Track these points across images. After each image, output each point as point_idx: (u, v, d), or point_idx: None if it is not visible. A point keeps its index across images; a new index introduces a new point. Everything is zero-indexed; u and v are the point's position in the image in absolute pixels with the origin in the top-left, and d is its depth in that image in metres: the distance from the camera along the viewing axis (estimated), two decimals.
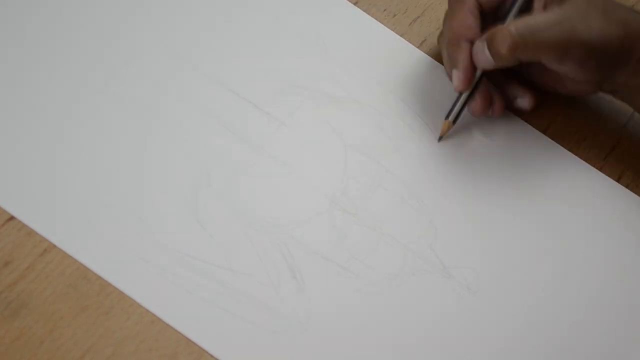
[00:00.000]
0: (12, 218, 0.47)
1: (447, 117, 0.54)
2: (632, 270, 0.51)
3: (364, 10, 0.58)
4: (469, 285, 0.48)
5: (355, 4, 0.59)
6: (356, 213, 0.50)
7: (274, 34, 0.57)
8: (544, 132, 0.56)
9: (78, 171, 0.49)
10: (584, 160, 0.55)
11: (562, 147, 0.55)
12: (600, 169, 0.55)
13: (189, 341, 0.44)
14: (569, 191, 0.53)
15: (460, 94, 0.54)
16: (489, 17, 0.54)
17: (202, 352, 0.44)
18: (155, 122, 0.52)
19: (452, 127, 0.54)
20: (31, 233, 0.46)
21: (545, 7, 0.53)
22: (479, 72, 0.53)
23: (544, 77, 0.55)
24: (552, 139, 0.56)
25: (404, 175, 0.52)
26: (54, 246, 0.46)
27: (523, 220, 0.51)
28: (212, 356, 0.44)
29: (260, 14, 0.57)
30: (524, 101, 0.55)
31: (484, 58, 0.52)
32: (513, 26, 0.51)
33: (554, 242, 0.51)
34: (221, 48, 0.55)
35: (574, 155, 0.55)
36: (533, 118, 0.56)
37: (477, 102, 0.54)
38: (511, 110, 0.56)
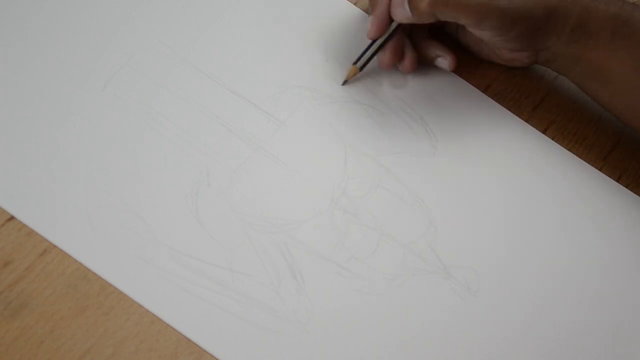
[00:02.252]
0: (12, 218, 0.47)
1: (355, 62, 0.55)
2: (633, 270, 0.51)
3: (364, 11, 0.58)
4: (469, 285, 0.48)
5: (354, 4, 0.59)
6: (356, 213, 0.50)
7: (274, 34, 0.57)
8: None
9: (78, 171, 0.49)
10: (584, 160, 0.55)
11: (561, 147, 0.55)
12: (600, 169, 0.55)
13: (189, 341, 0.44)
14: (569, 191, 0.53)
15: (372, 42, 0.54)
16: None
17: (202, 352, 0.44)
18: (155, 122, 0.52)
19: (358, 72, 0.55)
20: (31, 233, 0.46)
21: None
22: (394, 24, 0.53)
23: (478, 45, 0.56)
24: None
25: (404, 175, 0.52)
26: (54, 246, 0.46)
27: (523, 220, 0.51)
28: (212, 356, 0.44)
29: (261, 14, 0.57)
30: (444, 61, 0.56)
31: (402, 11, 0.52)
32: None
33: (554, 242, 0.51)
34: (221, 48, 0.55)
35: (574, 155, 0.55)
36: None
37: (385, 54, 0.54)
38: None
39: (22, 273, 0.45)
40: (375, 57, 0.55)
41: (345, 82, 0.55)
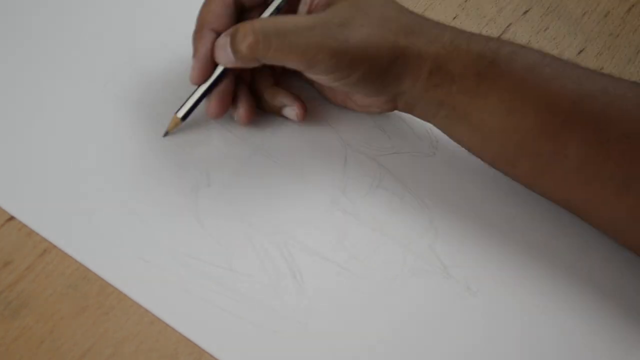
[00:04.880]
0: (12, 218, 0.47)
1: (177, 111, 0.50)
2: (633, 270, 0.50)
3: None
4: (469, 285, 0.48)
5: None
6: (356, 213, 0.50)
7: None
8: None
9: (78, 171, 0.49)
10: None
11: None
12: None
13: (189, 341, 0.44)
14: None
15: (197, 87, 0.50)
16: (255, 14, 0.50)
17: (202, 352, 0.44)
18: (155, 122, 0.52)
19: (180, 123, 0.51)
20: (31, 233, 0.46)
21: (309, 11, 0.49)
22: (219, 68, 0.49)
23: (331, 91, 0.53)
24: None
25: (404, 175, 0.52)
26: (54, 246, 0.46)
27: (523, 219, 0.51)
28: (212, 356, 0.44)
29: None
30: (292, 111, 0.52)
31: (225, 54, 0.48)
32: (258, 23, 0.47)
33: (554, 241, 0.51)
34: None
35: None
36: None
37: (212, 102, 0.50)
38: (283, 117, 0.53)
39: (22, 273, 0.45)
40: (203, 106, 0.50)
41: (166, 134, 0.51)
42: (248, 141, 0.52)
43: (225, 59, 0.48)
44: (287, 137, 0.52)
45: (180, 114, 0.50)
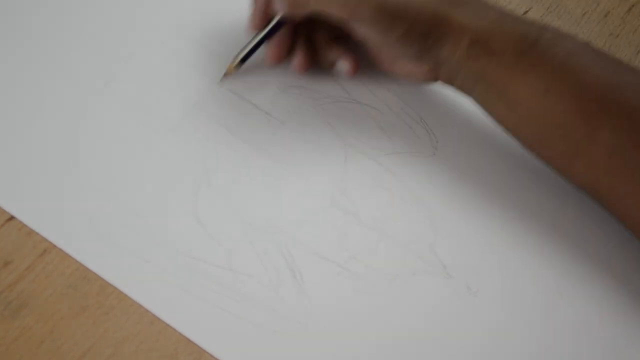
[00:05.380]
0: (12, 218, 0.47)
1: (236, 56, 0.53)
2: (634, 270, 0.50)
3: None
4: (469, 285, 0.48)
5: None
6: (356, 213, 0.50)
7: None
8: None
9: (78, 171, 0.49)
10: None
11: None
12: None
13: (189, 341, 0.44)
14: (569, 191, 0.53)
15: (255, 36, 0.53)
16: None
17: (202, 352, 0.44)
18: (155, 122, 0.52)
19: (239, 67, 0.53)
20: (31, 233, 0.46)
21: None
22: (276, 17, 0.52)
23: (378, 55, 0.54)
24: None
25: (404, 175, 0.52)
26: (54, 246, 0.46)
27: (524, 219, 0.51)
28: (212, 356, 0.44)
29: None
30: (344, 65, 0.54)
31: (279, 2, 0.50)
32: None
33: (554, 241, 0.51)
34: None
35: None
36: None
37: (269, 49, 0.53)
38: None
39: (22, 273, 0.45)
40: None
41: (225, 76, 0.54)
42: (248, 141, 0.52)
43: (279, 5, 0.51)
44: (287, 137, 0.52)
45: (239, 58, 0.53)
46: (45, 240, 0.46)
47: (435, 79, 0.53)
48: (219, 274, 0.46)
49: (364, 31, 0.51)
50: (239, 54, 0.54)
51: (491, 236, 0.50)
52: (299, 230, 0.49)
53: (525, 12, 0.63)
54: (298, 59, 0.54)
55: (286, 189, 0.50)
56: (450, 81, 0.52)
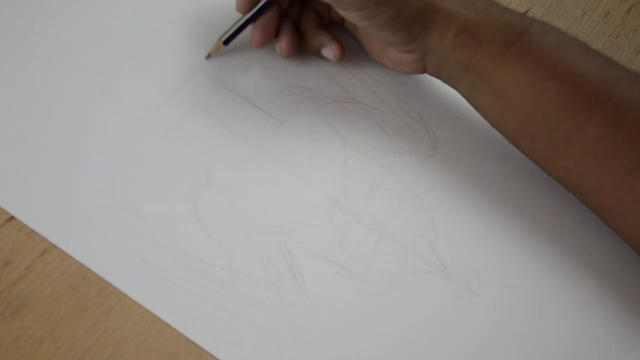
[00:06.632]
0: (12, 218, 0.47)
1: (221, 36, 0.54)
2: (633, 270, 0.50)
3: None
4: (469, 285, 0.48)
5: None
6: (356, 213, 0.50)
7: None
8: None
9: (78, 171, 0.49)
10: None
11: None
12: None
13: (189, 341, 0.44)
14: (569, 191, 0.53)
15: (242, 15, 0.53)
16: None
17: (202, 352, 0.44)
18: (155, 122, 0.52)
19: (222, 47, 0.54)
20: (31, 233, 0.46)
21: None
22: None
23: (369, 44, 0.55)
24: None
25: (404, 175, 0.52)
26: (54, 246, 0.46)
27: (523, 219, 0.51)
28: (212, 356, 0.44)
29: None
30: (330, 51, 0.54)
31: None
32: None
33: (554, 241, 0.51)
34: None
35: None
36: None
37: (255, 31, 0.53)
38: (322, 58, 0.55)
39: (22, 273, 0.45)
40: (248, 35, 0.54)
41: (209, 56, 0.54)
42: (248, 141, 0.52)
43: None
44: (287, 137, 0.52)
45: (224, 38, 0.54)
46: (45, 240, 0.46)
47: (423, 69, 0.53)
48: (219, 274, 0.46)
49: (351, 16, 0.50)
50: (224, 34, 0.54)
51: (491, 236, 0.50)
52: (299, 230, 0.49)
53: (525, 12, 0.63)
54: (283, 42, 0.54)
55: (286, 189, 0.50)
56: (437, 71, 0.52)
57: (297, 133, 0.53)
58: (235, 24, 0.54)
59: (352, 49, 0.56)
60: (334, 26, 0.57)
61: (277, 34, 0.54)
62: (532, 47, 0.48)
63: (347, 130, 0.53)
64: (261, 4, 0.52)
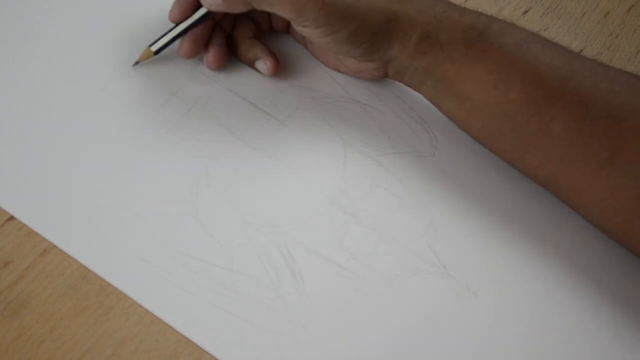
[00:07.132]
0: (12, 218, 0.47)
1: (151, 44, 0.53)
2: (633, 270, 0.50)
3: None
4: (469, 285, 0.48)
5: None
6: (356, 213, 0.50)
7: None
8: None
9: (78, 171, 0.49)
10: None
11: None
12: None
13: (189, 341, 0.44)
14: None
15: (175, 26, 0.52)
16: None
17: (202, 352, 0.44)
18: (155, 122, 0.52)
19: (152, 56, 0.53)
20: (31, 233, 0.46)
21: None
22: (201, 10, 0.51)
23: (325, 55, 0.54)
24: None
25: (404, 175, 0.52)
26: (54, 246, 0.46)
27: (523, 219, 0.51)
28: (212, 356, 0.44)
29: None
30: (263, 65, 0.53)
31: None
32: None
33: (554, 241, 0.51)
34: None
35: None
36: None
37: (185, 42, 0.52)
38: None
39: (22, 273, 0.45)
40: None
41: (136, 63, 0.53)
42: (248, 141, 0.52)
43: (212, 1, 0.49)
44: (287, 137, 0.52)
45: (155, 47, 0.53)
46: (45, 240, 0.46)
47: (384, 75, 0.53)
48: (219, 274, 0.46)
49: (311, 33, 0.49)
50: (155, 42, 0.53)
51: (491, 236, 0.50)
52: (299, 230, 0.49)
53: (525, 12, 0.63)
54: (211, 55, 0.53)
55: (286, 189, 0.50)
56: (399, 78, 0.52)
57: (297, 133, 0.53)
58: (167, 33, 0.52)
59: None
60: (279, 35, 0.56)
61: (206, 45, 0.53)
62: (492, 46, 0.47)
63: (347, 130, 0.53)
64: (198, 16, 0.51)
